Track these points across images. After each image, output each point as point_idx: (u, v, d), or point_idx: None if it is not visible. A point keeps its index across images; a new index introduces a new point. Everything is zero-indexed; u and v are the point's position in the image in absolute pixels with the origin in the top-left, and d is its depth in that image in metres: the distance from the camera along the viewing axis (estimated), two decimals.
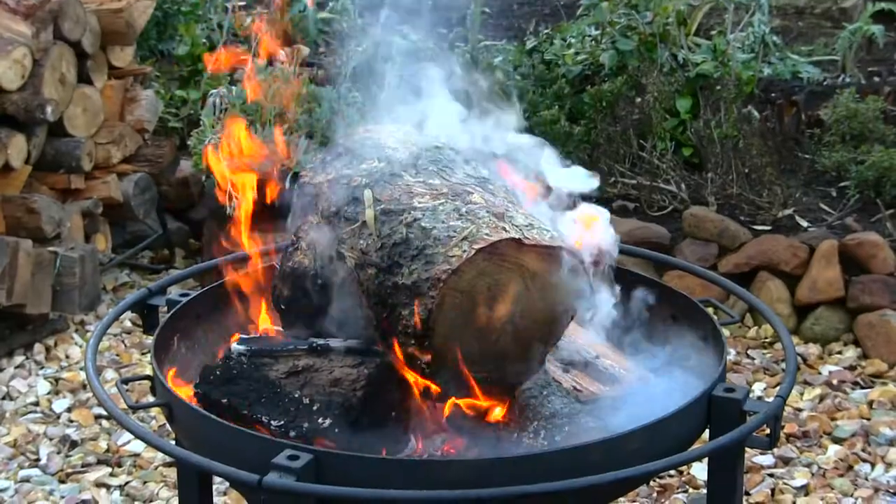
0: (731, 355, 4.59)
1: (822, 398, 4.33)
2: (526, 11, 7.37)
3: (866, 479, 3.87)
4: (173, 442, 2.70)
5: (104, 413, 4.18)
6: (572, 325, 2.42)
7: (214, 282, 2.87)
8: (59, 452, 4.04)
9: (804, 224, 4.92)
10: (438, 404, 2.42)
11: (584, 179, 2.77)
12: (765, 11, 5.67)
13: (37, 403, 4.35)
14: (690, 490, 3.82)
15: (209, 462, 2.21)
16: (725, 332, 2.73)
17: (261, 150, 2.82)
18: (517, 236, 2.25)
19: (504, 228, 2.26)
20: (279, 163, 4.80)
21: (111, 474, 3.94)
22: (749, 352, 4.68)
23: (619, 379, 2.57)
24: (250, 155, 2.77)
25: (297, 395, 2.40)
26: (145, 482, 3.88)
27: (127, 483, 3.88)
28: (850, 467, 3.93)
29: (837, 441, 4.07)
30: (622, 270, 2.90)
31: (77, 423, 4.22)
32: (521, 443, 2.35)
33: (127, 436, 4.08)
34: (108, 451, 4.06)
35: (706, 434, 2.45)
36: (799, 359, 4.51)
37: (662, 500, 3.77)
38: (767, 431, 2.39)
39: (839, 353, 4.61)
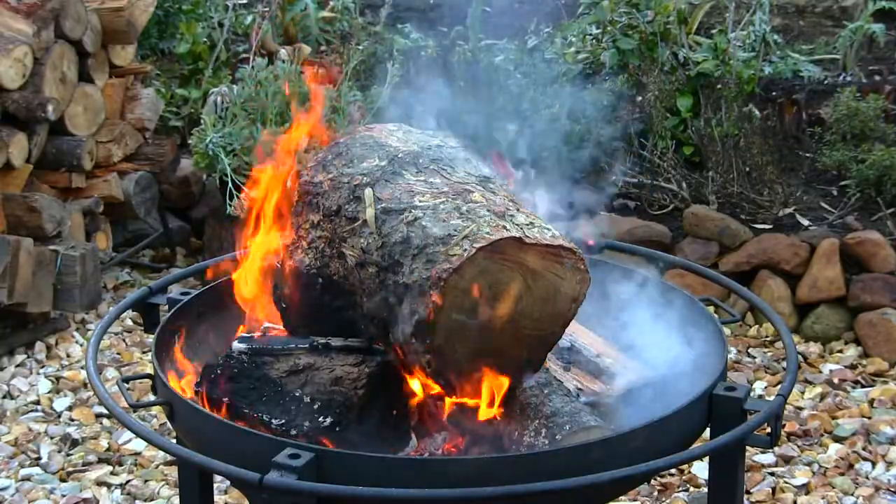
0: (732, 354, 4.59)
1: (822, 397, 4.33)
2: (527, 10, 7.36)
3: (867, 477, 3.87)
4: (174, 440, 2.70)
5: (105, 412, 4.18)
6: (573, 323, 2.42)
7: (215, 280, 2.87)
8: (59, 451, 4.04)
9: (805, 223, 4.92)
10: (439, 403, 2.42)
11: None
12: (765, 10, 5.66)
13: (38, 402, 4.35)
14: (691, 489, 3.82)
15: (210, 461, 2.21)
16: (726, 330, 2.73)
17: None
18: (518, 235, 2.25)
19: (505, 227, 2.26)
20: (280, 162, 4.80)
21: (112, 473, 3.94)
22: (750, 350, 4.68)
23: (620, 377, 2.57)
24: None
25: (298, 394, 2.40)
26: (146, 481, 3.88)
27: (128, 482, 3.88)
28: (851, 466, 3.93)
29: (838, 440, 4.07)
30: (624, 268, 2.90)
31: (78, 422, 4.22)
32: (522, 441, 2.35)
33: (128, 434, 4.08)
34: (108, 449, 4.06)
35: (707, 433, 2.45)
36: (800, 357, 4.51)
37: (663, 499, 3.77)
38: (768, 430, 2.39)
39: (840, 351, 4.61)
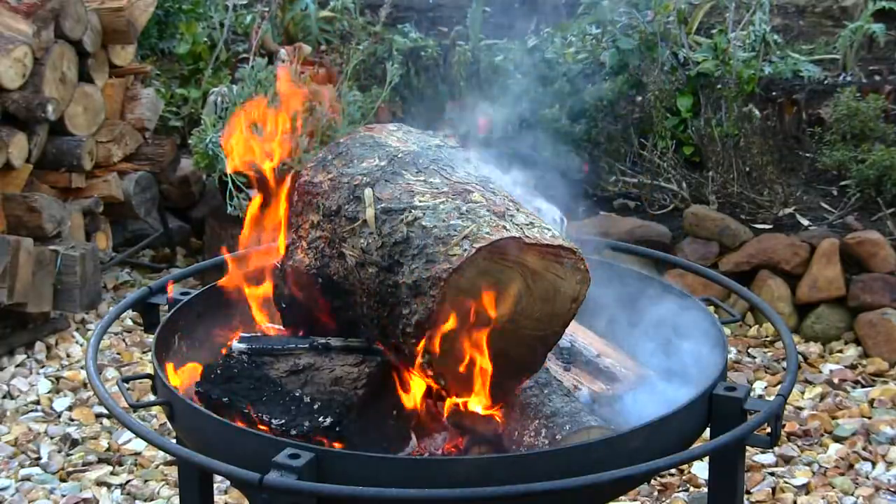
0: (732, 354, 4.59)
1: (822, 397, 4.33)
2: (527, 10, 7.36)
3: (867, 477, 3.87)
4: (174, 441, 2.70)
5: (105, 412, 4.18)
6: (573, 323, 2.42)
7: (215, 280, 2.87)
8: (59, 451, 4.04)
9: (805, 223, 4.92)
10: (439, 403, 2.42)
11: None
12: (766, 10, 5.66)
13: (38, 402, 4.35)
14: (691, 489, 3.82)
15: (210, 461, 2.21)
16: (726, 330, 2.73)
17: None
18: (518, 235, 2.25)
19: (505, 227, 2.26)
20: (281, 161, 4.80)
21: (112, 473, 3.94)
22: (750, 350, 4.68)
23: (620, 377, 2.57)
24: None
25: (298, 394, 2.40)
26: (146, 481, 3.88)
27: (128, 482, 3.88)
28: (851, 466, 3.93)
29: (838, 440, 4.07)
30: (624, 268, 2.90)
31: (78, 422, 4.22)
32: (522, 441, 2.35)
33: (128, 434, 4.08)
34: (108, 449, 4.06)
35: (707, 433, 2.45)
36: (800, 357, 4.51)
37: (663, 499, 3.77)
38: (768, 430, 2.39)
39: (840, 351, 4.61)
